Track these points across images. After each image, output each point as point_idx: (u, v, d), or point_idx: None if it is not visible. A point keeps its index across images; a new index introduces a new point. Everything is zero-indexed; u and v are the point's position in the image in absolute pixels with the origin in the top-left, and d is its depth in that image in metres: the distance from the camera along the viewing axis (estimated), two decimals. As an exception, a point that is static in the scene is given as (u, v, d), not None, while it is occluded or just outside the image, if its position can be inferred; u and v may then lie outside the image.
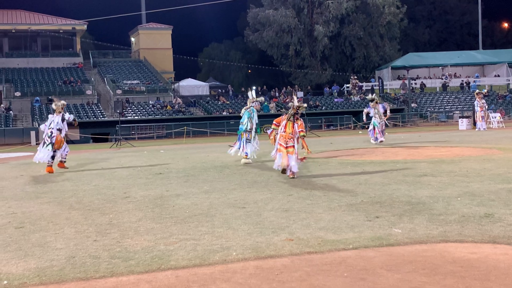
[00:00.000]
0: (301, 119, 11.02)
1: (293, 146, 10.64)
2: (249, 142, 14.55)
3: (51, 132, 13.68)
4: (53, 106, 14.19)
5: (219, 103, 45.51)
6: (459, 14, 75.72)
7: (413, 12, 72.17)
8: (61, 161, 14.18)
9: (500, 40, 78.53)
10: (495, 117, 33.31)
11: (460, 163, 12.02)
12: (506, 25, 79.73)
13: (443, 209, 6.77)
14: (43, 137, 14.04)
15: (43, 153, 13.60)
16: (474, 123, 31.25)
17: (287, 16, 59.37)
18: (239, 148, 14.54)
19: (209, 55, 74.93)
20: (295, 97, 11.45)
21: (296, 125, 10.77)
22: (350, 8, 59.93)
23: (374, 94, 22.60)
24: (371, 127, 20.54)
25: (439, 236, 5.44)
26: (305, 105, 11.70)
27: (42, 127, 14.31)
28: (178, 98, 45.49)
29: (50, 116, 14.18)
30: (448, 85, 53.12)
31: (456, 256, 4.78)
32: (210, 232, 6.04)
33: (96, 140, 35.45)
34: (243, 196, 8.56)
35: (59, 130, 13.78)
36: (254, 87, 19.34)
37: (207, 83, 54.69)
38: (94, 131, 36.48)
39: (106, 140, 34.64)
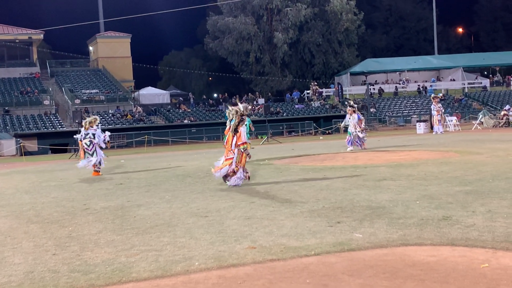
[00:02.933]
0: (242, 129, 10.51)
1: (232, 158, 10.52)
2: None
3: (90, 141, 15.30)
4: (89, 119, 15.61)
5: (180, 111, 45.27)
6: (415, 20, 77.39)
7: (370, 18, 73.41)
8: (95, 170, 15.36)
9: (455, 45, 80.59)
10: (452, 121, 34.13)
11: (418, 166, 12.25)
12: (460, 30, 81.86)
13: (403, 212, 6.88)
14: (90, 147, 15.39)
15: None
16: (431, 127, 31.94)
17: (246, 23, 59.57)
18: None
19: (169, 63, 74.45)
20: (240, 104, 10.80)
21: (235, 137, 10.49)
22: (309, 15, 60.55)
23: (351, 101, 22.10)
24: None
25: (399, 240, 5.51)
26: (249, 107, 11.32)
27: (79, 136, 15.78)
28: (139, 107, 45.06)
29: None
30: (397, 91, 54.05)
31: (415, 259, 4.86)
32: (172, 242, 5.99)
33: (54, 151, 34.76)
34: (206, 204, 8.51)
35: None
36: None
37: (167, 91, 54.35)
38: (53, 141, 35.77)
39: (65, 151, 34.01)
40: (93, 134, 15.47)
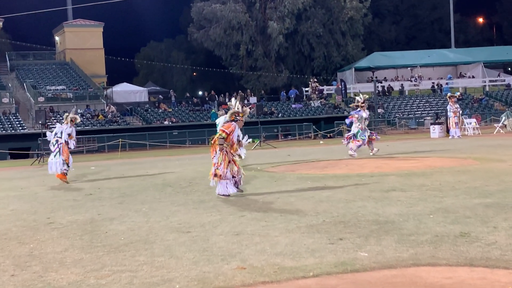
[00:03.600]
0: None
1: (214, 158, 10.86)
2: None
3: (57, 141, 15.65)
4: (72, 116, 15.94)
5: (160, 111, 45.21)
6: (429, 9, 77.78)
7: (378, 6, 73.77)
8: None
9: (474, 37, 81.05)
10: (470, 123, 34.27)
11: (432, 175, 12.29)
12: (481, 20, 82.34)
13: (414, 228, 6.90)
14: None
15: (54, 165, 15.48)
16: (447, 130, 32.05)
17: (236, 11, 59.66)
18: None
19: (147, 56, 74.41)
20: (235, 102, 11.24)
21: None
22: (308, 2, 60.74)
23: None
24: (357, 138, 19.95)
25: (409, 259, 5.52)
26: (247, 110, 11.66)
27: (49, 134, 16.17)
28: (112, 106, 44.95)
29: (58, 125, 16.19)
30: (404, 89, 54.21)
31: (429, 281, 4.86)
32: (149, 262, 5.97)
33: (14, 156, 34.59)
34: (188, 218, 8.50)
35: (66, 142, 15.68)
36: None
37: (145, 88, 54.26)
38: (12, 145, 35.57)
39: (26, 156, 33.84)
40: (61, 132, 15.74)
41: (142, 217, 8.85)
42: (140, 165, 22.13)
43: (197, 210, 9.24)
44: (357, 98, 20.77)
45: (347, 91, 51.94)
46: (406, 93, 54.29)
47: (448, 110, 30.96)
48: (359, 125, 19.80)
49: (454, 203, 8.54)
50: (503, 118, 36.50)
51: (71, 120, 15.92)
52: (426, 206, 8.38)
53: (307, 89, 53.36)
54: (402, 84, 55.18)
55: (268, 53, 62.60)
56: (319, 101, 49.33)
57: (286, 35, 61.45)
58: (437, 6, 76.93)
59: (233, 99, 16.31)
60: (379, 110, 46.95)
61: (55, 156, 15.55)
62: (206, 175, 15.08)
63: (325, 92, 53.35)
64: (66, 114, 16.43)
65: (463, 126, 32.38)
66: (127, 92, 50.40)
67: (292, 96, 51.86)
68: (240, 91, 52.67)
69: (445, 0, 70.24)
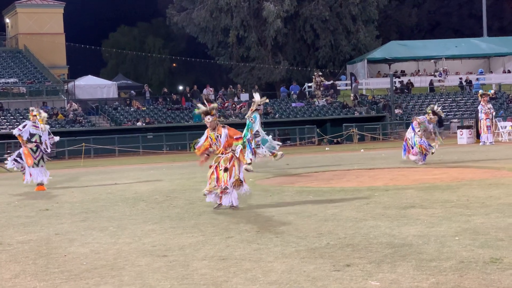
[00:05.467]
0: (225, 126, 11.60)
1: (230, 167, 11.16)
2: (259, 148, 19.14)
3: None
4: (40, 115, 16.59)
5: (132, 109, 45.16)
6: (457, -11, 78.15)
7: (396, -14, 74.03)
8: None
9: (511, 24, 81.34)
10: (505, 127, 34.39)
11: (458, 189, 12.34)
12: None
13: (436, 252, 6.92)
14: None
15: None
16: (478, 135, 32.15)
17: (225, -11, 59.77)
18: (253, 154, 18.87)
19: (117, 43, 74.30)
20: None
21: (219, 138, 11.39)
22: (312, -21, 60.97)
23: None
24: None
25: (430, 290, 5.55)
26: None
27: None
28: (74, 103, 44.86)
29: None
30: (432, 86, 54.38)
31: (452, 316, 4.89)
32: (117, 291, 5.97)
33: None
34: (164, 239, 8.50)
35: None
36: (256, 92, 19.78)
37: (114, 82, 54.18)
38: (-47, 150, 35.43)
39: (-31, 163, 33.75)
40: (40, 137, 16.52)
41: (109, 238, 8.84)
42: (108, 174, 22.08)
43: (176, 230, 9.24)
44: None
45: (359, 87, 52.00)
46: (429, 91, 54.43)
47: (479, 111, 31.04)
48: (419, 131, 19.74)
49: (484, 222, 8.57)
50: (545, 121, 36.67)
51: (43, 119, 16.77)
52: (451, 226, 8.41)
53: (310, 84, 53.37)
54: (431, 80, 55.22)
55: (263, 40, 62.64)
56: (324, 99, 49.37)
57: (285, 19, 61.45)
58: (467, -14, 77.20)
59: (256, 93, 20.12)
60: (397, 111, 47.08)
61: (38, 163, 16.58)
62: (187, 188, 15.23)
63: (332, 88, 53.32)
64: (36, 111, 16.87)
65: (496, 131, 32.48)
66: (93, 86, 50.33)
67: (293, 92, 51.81)
68: (229, 86, 52.74)
69: (476, -21, 70.54)
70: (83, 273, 6.76)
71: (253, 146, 18.89)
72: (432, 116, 19.95)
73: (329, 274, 6.23)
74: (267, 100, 21.58)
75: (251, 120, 19.13)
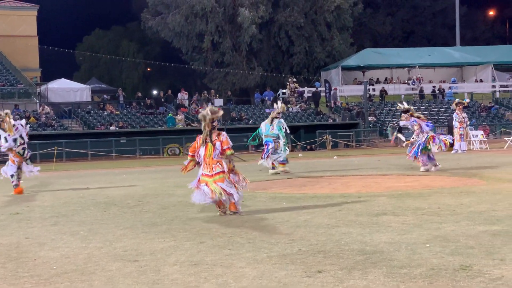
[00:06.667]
0: (223, 133, 11.24)
1: (223, 172, 10.98)
2: (275, 153, 20.49)
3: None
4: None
5: (105, 113, 44.94)
6: (431, -1, 78.84)
7: (371, -6, 74.50)
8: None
9: (484, 34, 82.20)
10: (477, 136, 34.69)
11: (430, 197, 12.43)
12: (491, 13, 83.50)
13: (407, 259, 6.97)
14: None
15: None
16: (451, 144, 32.38)
17: (201, -6, 59.72)
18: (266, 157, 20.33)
19: (91, 46, 73.97)
20: (207, 106, 11.76)
21: (218, 143, 11.01)
22: (287, -14, 61.15)
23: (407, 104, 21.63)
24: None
25: (400, 297, 5.59)
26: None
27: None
28: (46, 106, 44.55)
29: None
30: (386, 93, 54.72)
31: (422, 323, 4.92)
32: (86, 296, 5.94)
33: None
34: (136, 244, 8.48)
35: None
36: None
37: (87, 86, 53.85)
38: None
39: None
40: (22, 137, 16.97)
41: (80, 242, 8.79)
42: (80, 178, 21.95)
43: (147, 235, 9.22)
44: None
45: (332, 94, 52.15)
46: (403, 98, 54.77)
47: (454, 119, 31.24)
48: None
49: (455, 230, 8.65)
50: (516, 130, 37.03)
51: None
52: (422, 233, 8.47)
53: (284, 90, 53.48)
54: (400, 88, 55.64)
55: (238, 46, 62.65)
56: (298, 106, 49.50)
57: (260, 25, 61.56)
58: (441, -5, 77.91)
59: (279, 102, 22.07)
60: (370, 118, 47.32)
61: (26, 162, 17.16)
62: (159, 193, 15.20)
63: (306, 94, 53.54)
64: (6, 112, 17.09)
65: (468, 139, 32.76)
66: (66, 90, 49.93)
67: (267, 98, 51.79)
68: (204, 92, 52.66)
69: (450, -12, 71.22)
70: (53, 278, 6.72)
71: (270, 150, 20.34)
72: (407, 115, 19.95)
73: (300, 280, 6.24)
74: (285, 110, 23.32)
75: (282, 126, 20.74)
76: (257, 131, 21.59)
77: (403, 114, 20.29)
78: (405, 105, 20.63)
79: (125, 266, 7.17)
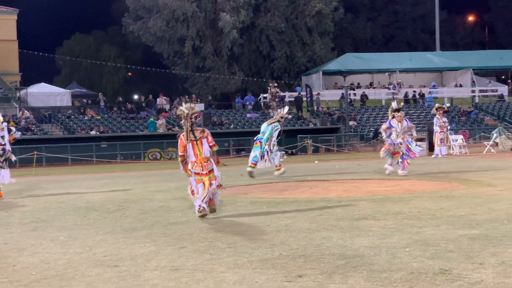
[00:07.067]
0: (206, 130, 11.54)
1: (213, 170, 11.28)
2: (272, 152, 20.47)
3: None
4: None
5: (86, 118, 44.77)
6: (411, 4, 79.30)
7: (352, -1, 74.82)
8: None
9: (463, 39, 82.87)
10: (457, 140, 34.91)
11: (410, 201, 12.48)
12: (471, 19, 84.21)
13: (387, 263, 6.99)
14: None
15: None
16: (430, 148, 32.57)
17: (182, -1, 59.71)
18: (262, 159, 20.17)
19: (71, 51, 73.62)
20: (184, 104, 11.91)
21: (204, 140, 11.25)
22: (268, -9, 61.29)
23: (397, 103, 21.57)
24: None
25: (380, 301, 5.60)
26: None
27: None
28: (26, 111, 44.31)
29: None
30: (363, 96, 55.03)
31: (402, 327, 4.93)
32: (66, 302, 5.91)
33: None
34: (116, 249, 8.45)
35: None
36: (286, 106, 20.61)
37: (68, 90, 53.64)
38: None
39: None
40: (2, 137, 16.80)
41: (60, 248, 8.75)
42: (60, 183, 21.83)
43: (128, 240, 9.19)
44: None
45: (313, 98, 52.29)
46: (383, 103, 55.06)
47: (434, 124, 31.48)
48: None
49: (435, 234, 8.69)
50: (495, 135, 37.23)
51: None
52: (402, 237, 8.50)
53: (265, 95, 53.56)
54: (381, 92, 55.95)
55: (219, 51, 62.68)
56: (279, 110, 49.48)
57: (241, 30, 61.65)
58: (420, 0, 78.42)
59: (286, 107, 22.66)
60: (351, 123, 47.47)
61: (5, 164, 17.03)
62: (140, 198, 15.16)
63: (287, 99, 53.61)
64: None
65: (448, 144, 32.95)
66: (46, 94, 49.71)
67: (248, 103, 51.90)
68: (185, 96, 52.61)
69: (429, -6, 71.65)
70: (32, 283, 6.69)
71: (267, 150, 20.28)
72: (398, 114, 19.92)
73: (281, 285, 6.25)
74: (289, 116, 23.40)
75: (273, 128, 20.54)
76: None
77: (395, 113, 20.02)
78: (395, 105, 20.47)
79: (105, 271, 7.14)
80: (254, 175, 19.99)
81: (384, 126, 20.13)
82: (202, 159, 11.19)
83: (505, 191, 13.73)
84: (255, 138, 21.03)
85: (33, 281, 6.78)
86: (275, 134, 20.68)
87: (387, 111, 49.45)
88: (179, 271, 7.03)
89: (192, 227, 10.22)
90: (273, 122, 20.93)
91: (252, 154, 20.43)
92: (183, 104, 11.92)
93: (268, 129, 20.50)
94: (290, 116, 23.66)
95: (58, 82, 68.19)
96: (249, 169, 20.06)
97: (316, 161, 30.77)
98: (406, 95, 55.19)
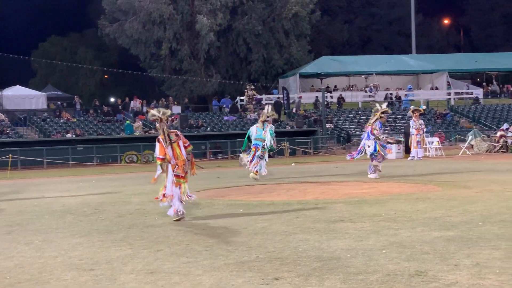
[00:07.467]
0: (178, 132, 11.72)
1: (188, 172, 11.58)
2: (262, 159, 20.63)
3: None
4: None
5: (61, 121, 44.51)
6: (387, 7, 79.79)
7: (328, 2, 75.09)
8: None
9: (439, 42, 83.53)
10: (433, 143, 35.17)
11: (386, 203, 12.55)
12: (446, 22, 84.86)
13: (363, 266, 7.01)
14: None
15: None
16: (407, 150, 32.78)
17: (158, 2, 59.52)
18: (249, 162, 20.43)
19: (47, 53, 73.21)
20: (154, 110, 11.87)
21: (180, 142, 11.39)
22: (245, -7, 61.32)
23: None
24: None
25: (356, 303, 5.62)
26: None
27: None
28: (1, 114, 43.98)
29: None
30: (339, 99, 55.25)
31: (377, 328, 4.95)
32: (41, 306, 5.88)
33: None
34: (92, 253, 8.41)
35: None
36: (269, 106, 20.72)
37: (43, 93, 53.23)
38: None
39: None
40: None
41: (34, 251, 8.69)
42: (35, 187, 21.68)
43: (104, 243, 9.14)
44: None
45: (290, 101, 52.36)
46: (360, 105, 55.31)
47: (411, 126, 31.70)
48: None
49: (411, 236, 8.74)
50: (470, 137, 37.60)
51: None
52: (378, 240, 8.54)
53: (242, 97, 53.56)
54: (358, 95, 56.18)
55: (196, 53, 62.61)
56: (256, 113, 49.54)
57: (218, 33, 61.63)
58: (397, 3, 78.89)
59: (266, 106, 21.95)
60: (328, 125, 47.62)
61: None
62: (116, 201, 15.11)
63: (264, 102, 53.62)
64: None
65: (424, 146, 33.18)
66: (21, 97, 49.29)
67: (225, 106, 51.89)
68: (161, 99, 52.50)
69: (406, -3, 72.07)
70: (6, 287, 6.64)
71: (258, 155, 20.53)
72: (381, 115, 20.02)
73: (257, 287, 6.26)
74: (276, 116, 23.30)
75: (264, 132, 20.81)
76: (247, 136, 21.76)
77: (380, 115, 20.08)
78: (380, 107, 20.52)
79: (81, 275, 7.10)
80: (258, 178, 20.35)
81: (379, 130, 20.10)
82: (182, 161, 11.33)
83: (480, 193, 13.85)
84: (252, 144, 21.06)
85: (7, 285, 6.73)
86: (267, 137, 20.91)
87: (364, 113, 50.05)
88: (155, 274, 7.01)
89: (168, 230, 10.20)
90: (265, 122, 21.10)
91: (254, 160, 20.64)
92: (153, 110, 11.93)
93: (268, 133, 20.78)
94: (276, 116, 23.54)
95: (34, 85, 67.64)
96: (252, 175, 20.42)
97: (292, 164, 30.84)
98: (386, 97, 55.50)
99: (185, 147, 11.49)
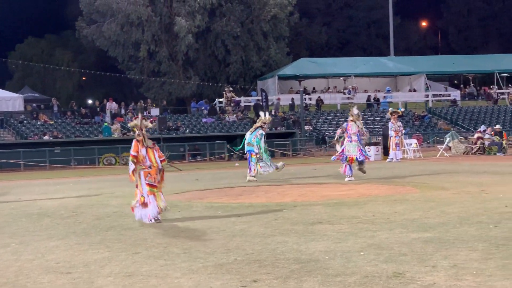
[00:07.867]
0: (155, 143, 11.73)
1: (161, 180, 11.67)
2: (261, 161, 20.88)
3: None
4: None
5: (39, 123, 44.25)
6: (366, 9, 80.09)
7: (306, 4, 75.24)
8: None
9: (417, 44, 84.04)
10: (411, 145, 35.34)
11: (365, 205, 12.60)
12: (424, 24, 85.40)
13: (341, 267, 7.04)
14: None
15: None
16: (385, 152, 32.92)
17: (136, 3, 59.32)
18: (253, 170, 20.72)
19: (24, 55, 72.71)
20: (141, 116, 12.03)
21: (155, 152, 11.46)
22: (223, -5, 61.31)
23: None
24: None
25: (335, 305, 5.64)
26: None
27: None
28: (-23, 116, 43.65)
29: None
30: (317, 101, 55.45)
31: (355, 330, 4.97)
32: (17, 310, 5.84)
33: None
34: (69, 256, 8.38)
35: None
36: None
37: (20, 95, 52.89)
38: None
39: None
40: None
41: (11, 255, 8.65)
42: (12, 189, 21.55)
43: (81, 246, 9.11)
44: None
45: (269, 103, 52.41)
46: (339, 107, 55.47)
47: (389, 128, 31.86)
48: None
49: (389, 238, 8.78)
50: (448, 139, 37.79)
51: None
52: (357, 241, 8.58)
53: (221, 100, 53.57)
54: (336, 97, 56.35)
55: (175, 55, 62.48)
56: (235, 115, 49.61)
57: (196, 35, 61.55)
58: (375, 6, 79.25)
59: (261, 113, 22.20)
60: (307, 127, 47.70)
61: None
62: (94, 203, 15.04)
63: (242, 104, 53.70)
64: None
65: (402, 148, 33.34)
66: (-2, 98, 49.00)
67: (203, 108, 51.89)
68: (140, 101, 52.37)
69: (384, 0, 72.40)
70: (-18, 292, 6.59)
71: (253, 162, 20.74)
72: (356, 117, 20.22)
73: (235, 290, 6.26)
74: (270, 121, 23.44)
75: (259, 137, 20.91)
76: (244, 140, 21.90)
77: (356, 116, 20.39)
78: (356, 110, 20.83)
79: (58, 278, 7.07)
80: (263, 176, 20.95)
81: (365, 130, 20.39)
82: (155, 169, 11.36)
83: (457, 195, 13.95)
84: (246, 151, 21.44)
85: (-17, 289, 6.69)
86: (262, 141, 21.13)
87: (343, 115, 50.14)
88: (133, 277, 6.99)
89: (146, 233, 10.18)
90: (257, 128, 21.24)
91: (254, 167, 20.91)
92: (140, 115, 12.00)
93: (255, 140, 20.89)
94: (269, 122, 23.51)
95: (10, 87, 67.16)
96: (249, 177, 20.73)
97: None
98: (368, 99, 55.72)
99: (161, 161, 11.54)
